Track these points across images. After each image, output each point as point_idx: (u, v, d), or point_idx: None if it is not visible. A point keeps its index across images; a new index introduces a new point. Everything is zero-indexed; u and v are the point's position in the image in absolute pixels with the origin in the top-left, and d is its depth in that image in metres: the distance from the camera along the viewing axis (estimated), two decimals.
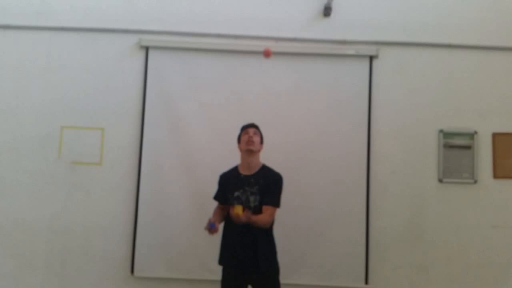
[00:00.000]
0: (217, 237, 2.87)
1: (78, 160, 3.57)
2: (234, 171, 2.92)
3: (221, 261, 2.86)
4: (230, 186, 2.84)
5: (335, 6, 3.61)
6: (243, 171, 2.86)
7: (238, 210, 2.55)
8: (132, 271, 3.47)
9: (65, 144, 3.58)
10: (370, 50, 3.60)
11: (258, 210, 2.75)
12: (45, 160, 3.57)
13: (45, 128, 3.59)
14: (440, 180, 3.53)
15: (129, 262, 3.48)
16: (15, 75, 3.63)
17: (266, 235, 2.80)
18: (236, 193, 2.80)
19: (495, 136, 3.56)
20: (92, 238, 3.52)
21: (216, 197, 2.97)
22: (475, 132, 3.56)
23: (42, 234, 3.53)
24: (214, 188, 2.96)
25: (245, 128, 2.92)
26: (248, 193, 2.78)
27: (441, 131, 3.56)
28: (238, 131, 2.97)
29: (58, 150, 3.58)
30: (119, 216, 3.52)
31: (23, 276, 3.51)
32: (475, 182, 3.53)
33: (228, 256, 2.80)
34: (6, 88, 3.62)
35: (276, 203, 2.79)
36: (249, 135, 2.85)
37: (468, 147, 3.55)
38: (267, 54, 2.57)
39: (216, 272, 3.05)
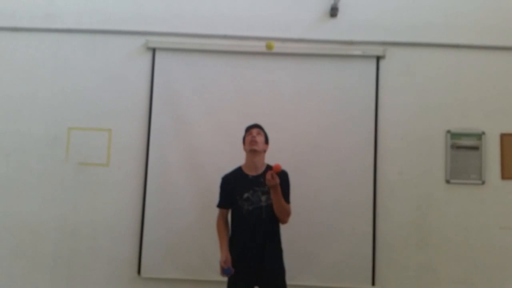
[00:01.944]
0: None
1: (85, 161, 3.58)
2: (239, 172, 2.91)
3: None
4: (238, 187, 2.84)
5: (341, 6, 3.60)
6: (250, 172, 2.86)
7: (270, 44, 2.67)
8: (139, 271, 3.48)
9: (72, 145, 3.60)
10: (377, 50, 3.59)
11: (269, 209, 2.77)
12: (53, 161, 3.59)
13: (53, 130, 3.61)
14: (448, 181, 3.51)
15: (136, 262, 3.49)
16: (23, 76, 3.65)
17: (274, 235, 2.82)
18: (246, 195, 2.80)
19: (503, 136, 3.53)
20: (99, 239, 3.53)
21: (221, 204, 2.91)
22: (483, 133, 3.54)
23: (50, 234, 3.55)
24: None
25: (248, 129, 2.93)
26: (259, 193, 2.79)
27: (448, 131, 3.55)
28: (244, 131, 2.98)
29: (65, 151, 3.60)
30: (126, 217, 3.54)
31: (31, 276, 3.53)
32: (483, 183, 3.50)
33: (235, 257, 2.79)
34: (14, 90, 3.64)
35: (289, 201, 2.84)
36: (252, 135, 2.86)
37: (475, 148, 3.53)
38: (277, 169, 2.67)
39: None
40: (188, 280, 3.46)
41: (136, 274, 3.49)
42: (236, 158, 3.01)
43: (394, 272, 3.46)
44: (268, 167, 2.90)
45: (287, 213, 2.79)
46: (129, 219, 3.54)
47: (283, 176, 2.85)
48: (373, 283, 3.42)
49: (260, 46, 3.57)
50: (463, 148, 3.53)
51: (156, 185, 3.51)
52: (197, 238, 3.44)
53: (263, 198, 2.78)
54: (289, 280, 2.86)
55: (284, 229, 2.91)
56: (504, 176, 3.50)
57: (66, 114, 3.62)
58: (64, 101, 3.63)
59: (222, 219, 2.91)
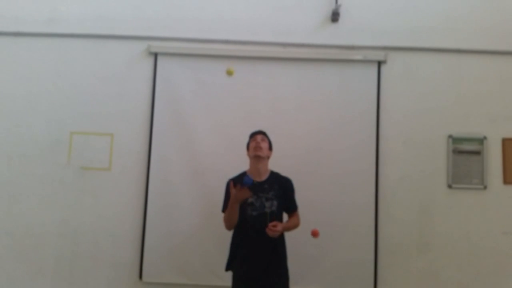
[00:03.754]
0: (226, 242, 2.90)
1: (87, 166, 3.59)
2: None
3: (231, 267, 2.86)
4: None
5: (342, 11, 3.61)
6: (254, 178, 2.86)
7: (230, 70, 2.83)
8: (140, 276, 3.48)
9: (74, 150, 3.61)
10: (378, 55, 3.60)
11: (274, 215, 2.79)
12: (55, 166, 3.59)
13: (55, 134, 3.62)
14: (450, 186, 3.51)
15: (138, 267, 3.49)
16: (25, 81, 3.66)
17: (279, 241, 2.81)
18: (250, 200, 2.80)
19: (504, 141, 3.53)
20: (100, 243, 3.53)
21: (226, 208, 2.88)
22: (485, 137, 3.53)
23: (51, 239, 3.55)
24: (223, 193, 2.93)
25: (253, 135, 2.95)
26: (263, 199, 2.81)
27: (450, 136, 3.54)
28: (246, 136, 2.99)
29: (67, 156, 3.61)
30: (128, 222, 3.53)
31: (32, 281, 3.53)
32: (485, 187, 3.50)
33: (239, 261, 2.79)
34: (17, 94, 3.65)
35: (296, 206, 2.95)
36: (257, 141, 2.87)
37: (477, 153, 3.52)
38: (315, 234, 2.76)
39: (224, 278, 3.06)
40: (189, 285, 3.45)
41: (137, 278, 3.49)
42: (238, 162, 3.02)
43: (396, 277, 3.45)
44: (272, 174, 2.93)
45: (298, 226, 2.93)
46: (131, 223, 3.54)
47: (288, 184, 2.92)
48: None
49: (262, 51, 3.62)
50: (464, 153, 3.52)
51: (157, 190, 3.51)
52: (199, 242, 3.44)
53: (267, 204, 2.80)
54: (291, 285, 2.86)
55: (285, 234, 2.91)
56: (506, 181, 3.50)
57: (68, 119, 3.63)
58: (66, 105, 3.64)
59: None
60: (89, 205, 3.56)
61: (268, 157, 2.93)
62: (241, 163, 2.98)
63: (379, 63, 3.60)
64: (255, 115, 3.48)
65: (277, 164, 2.98)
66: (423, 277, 3.44)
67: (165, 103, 3.58)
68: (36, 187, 3.58)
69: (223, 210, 2.89)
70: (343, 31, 3.64)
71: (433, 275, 3.44)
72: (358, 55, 3.60)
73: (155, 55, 3.63)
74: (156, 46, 3.63)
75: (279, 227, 2.69)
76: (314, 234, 2.76)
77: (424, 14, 3.65)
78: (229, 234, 2.89)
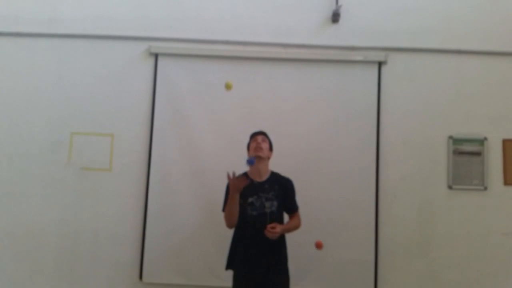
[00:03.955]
0: (226, 242, 2.90)
1: (88, 166, 3.59)
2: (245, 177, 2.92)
3: (231, 267, 2.86)
4: (243, 191, 2.82)
5: (343, 12, 3.62)
6: (255, 178, 2.87)
7: (229, 84, 2.83)
8: (140, 277, 3.48)
9: (75, 150, 3.61)
10: (379, 56, 3.60)
11: (274, 215, 2.79)
12: (55, 166, 3.59)
13: (55, 134, 3.62)
14: (450, 187, 3.51)
15: (138, 268, 3.49)
16: (26, 81, 3.66)
17: (279, 241, 2.81)
18: (250, 199, 2.81)
19: (505, 142, 3.53)
20: (101, 244, 3.53)
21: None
22: (485, 138, 3.53)
23: (51, 239, 3.55)
24: (223, 193, 2.93)
25: (253, 135, 2.95)
26: (263, 199, 2.81)
27: (450, 137, 3.55)
28: (247, 137, 3.00)
29: (68, 156, 3.61)
30: (128, 222, 3.53)
31: (33, 281, 3.53)
32: (485, 188, 3.50)
33: (240, 261, 2.79)
34: (17, 95, 3.66)
35: (297, 206, 2.95)
36: (258, 142, 2.88)
37: (478, 154, 3.52)
38: (319, 246, 2.78)
39: (224, 279, 3.06)
40: (190, 285, 3.45)
41: (137, 279, 3.49)
42: (239, 163, 3.00)
43: (396, 278, 3.45)
44: (273, 174, 2.93)
45: (298, 227, 2.93)
46: (131, 224, 3.54)
47: (288, 184, 2.93)
48: None
49: (263, 51, 3.62)
50: (465, 154, 3.52)
51: (158, 190, 3.51)
52: (199, 243, 3.44)
53: (267, 204, 2.81)
54: (291, 285, 2.86)
55: (286, 235, 2.91)
56: (506, 182, 3.50)
57: (69, 119, 3.63)
58: (66, 106, 3.64)
59: None
60: (89, 205, 3.56)
61: (268, 158, 2.93)
62: (241, 163, 2.96)
63: (380, 64, 3.60)
64: (255, 116, 3.49)
65: (277, 164, 2.98)
66: (424, 278, 3.44)
67: (165, 103, 3.59)
68: (36, 187, 3.59)
69: (224, 210, 2.89)
70: (343, 32, 3.65)
71: (433, 276, 3.44)
72: (358, 56, 3.60)
73: (156, 56, 3.64)
74: (157, 47, 3.63)
75: (278, 228, 2.69)
76: (318, 246, 2.76)
77: (424, 15, 3.65)
78: (229, 234, 2.90)
